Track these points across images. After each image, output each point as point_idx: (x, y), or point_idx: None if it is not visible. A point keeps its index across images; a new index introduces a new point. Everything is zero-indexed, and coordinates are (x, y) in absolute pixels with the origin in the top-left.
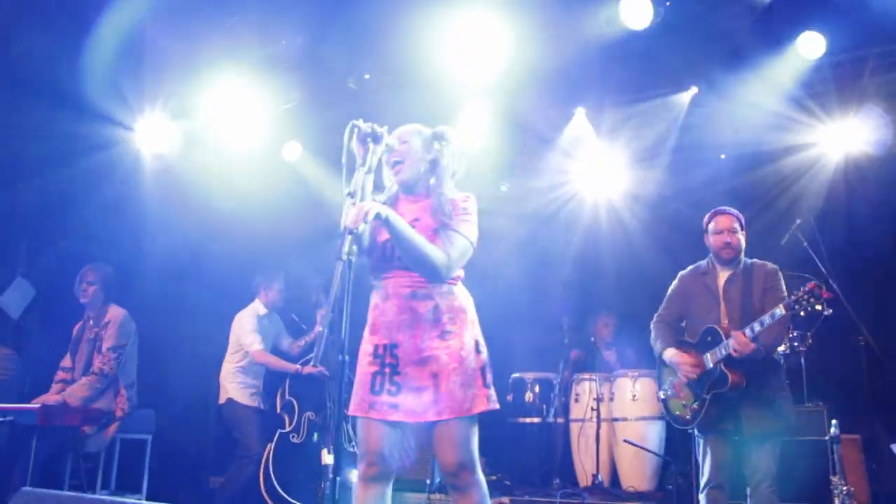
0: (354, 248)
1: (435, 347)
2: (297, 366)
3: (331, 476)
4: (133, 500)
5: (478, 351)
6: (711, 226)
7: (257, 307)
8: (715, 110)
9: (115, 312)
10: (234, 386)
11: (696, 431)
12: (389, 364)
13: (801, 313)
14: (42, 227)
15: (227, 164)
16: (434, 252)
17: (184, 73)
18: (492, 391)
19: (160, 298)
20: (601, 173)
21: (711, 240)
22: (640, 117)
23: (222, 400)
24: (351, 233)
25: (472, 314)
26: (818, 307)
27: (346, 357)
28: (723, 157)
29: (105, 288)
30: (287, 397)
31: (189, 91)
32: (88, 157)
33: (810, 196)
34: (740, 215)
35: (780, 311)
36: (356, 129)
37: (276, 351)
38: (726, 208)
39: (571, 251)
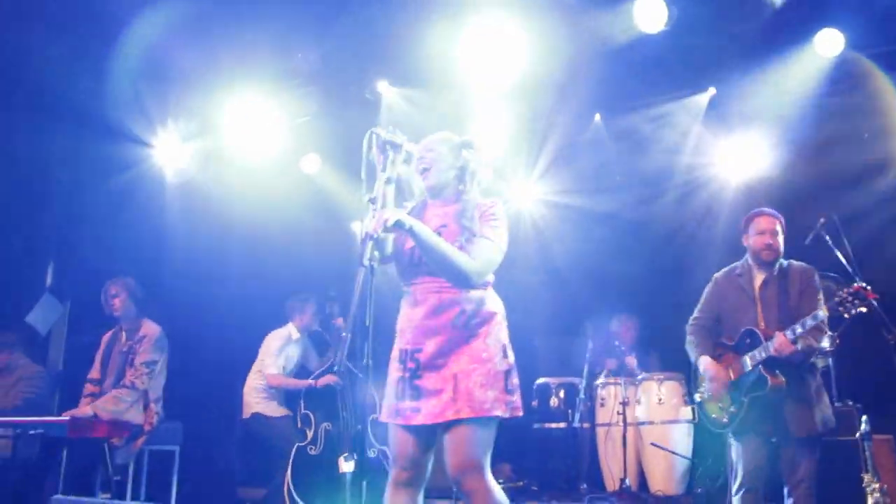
0: (376, 254)
1: (458, 350)
2: (310, 381)
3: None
4: None
5: (504, 355)
6: (752, 227)
7: (290, 331)
8: (734, 110)
9: (151, 328)
10: (260, 400)
11: (730, 434)
12: (410, 369)
13: (845, 315)
14: (68, 245)
15: (246, 178)
16: (461, 258)
17: (202, 89)
18: (514, 398)
19: (183, 311)
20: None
21: (752, 241)
22: (658, 120)
23: (246, 415)
24: (372, 238)
25: (500, 318)
26: (862, 309)
27: (371, 362)
28: None
29: (135, 300)
30: (304, 411)
31: (207, 106)
32: (112, 176)
33: (833, 194)
34: (781, 217)
35: (822, 312)
36: (375, 137)
37: (304, 370)
38: (767, 209)
39: (591, 254)
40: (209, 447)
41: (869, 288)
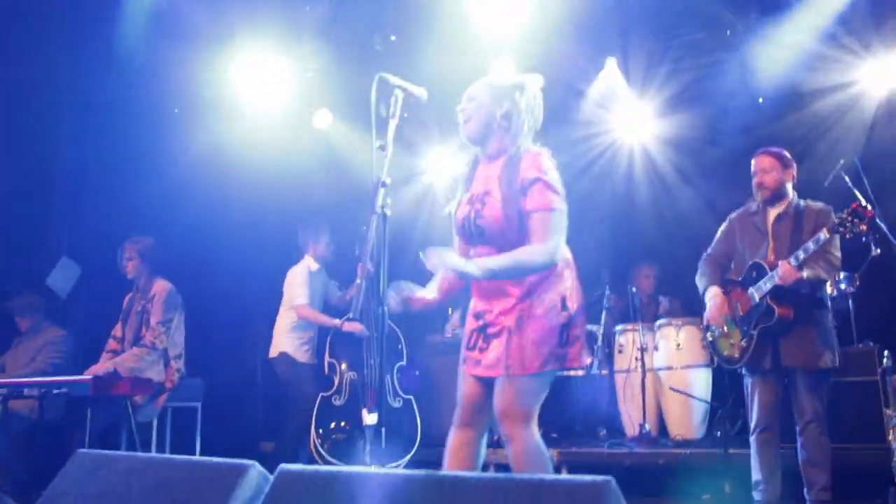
0: (389, 200)
1: (515, 308)
2: (338, 321)
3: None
4: (183, 457)
5: (563, 308)
6: (751, 168)
7: (309, 263)
8: (749, 53)
9: (161, 286)
10: (289, 341)
11: (744, 371)
12: (479, 325)
13: (847, 235)
14: (80, 205)
15: (258, 134)
16: (529, 258)
17: (209, 44)
18: (572, 349)
19: (199, 269)
20: (636, 122)
21: (753, 182)
22: (672, 63)
23: (273, 353)
24: (384, 185)
25: (559, 270)
26: (863, 227)
27: (386, 309)
28: (760, 100)
29: (147, 261)
30: (329, 359)
31: (217, 62)
32: (123, 137)
33: (853, 135)
34: (782, 153)
35: (823, 234)
36: (384, 82)
37: (326, 306)
38: (764, 148)
39: (607, 202)
40: (231, 403)
41: (867, 206)
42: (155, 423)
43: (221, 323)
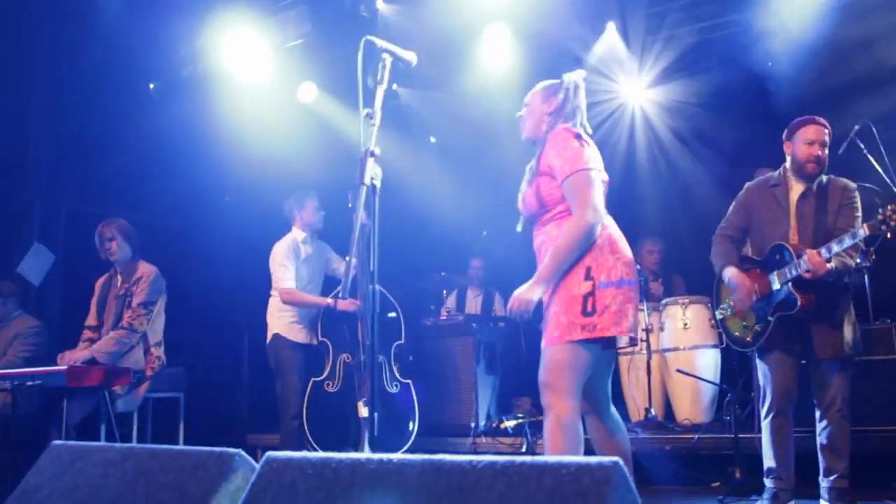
0: (378, 171)
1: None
2: (330, 299)
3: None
4: (164, 446)
5: (587, 277)
6: (800, 135)
7: (295, 234)
8: (754, 16)
9: (147, 269)
10: (281, 322)
11: (756, 354)
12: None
13: (888, 235)
14: (54, 186)
15: (240, 108)
16: (571, 235)
17: (192, 15)
18: (594, 319)
19: (182, 253)
20: (637, 90)
21: (798, 149)
22: (674, 27)
23: (268, 338)
24: (372, 155)
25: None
26: None
27: (378, 287)
28: (769, 64)
29: (129, 242)
30: (321, 339)
31: (197, 33)
32: (100, 115)
33: (866, 100)
34: (830, 128)
35: (863, 231)
36: (371, 46)
37: (328, 278)
38: (818, 118)
39: (609, 174)
40: (215, 393)
41: None
42: (136, 414)
43: (205, 308)
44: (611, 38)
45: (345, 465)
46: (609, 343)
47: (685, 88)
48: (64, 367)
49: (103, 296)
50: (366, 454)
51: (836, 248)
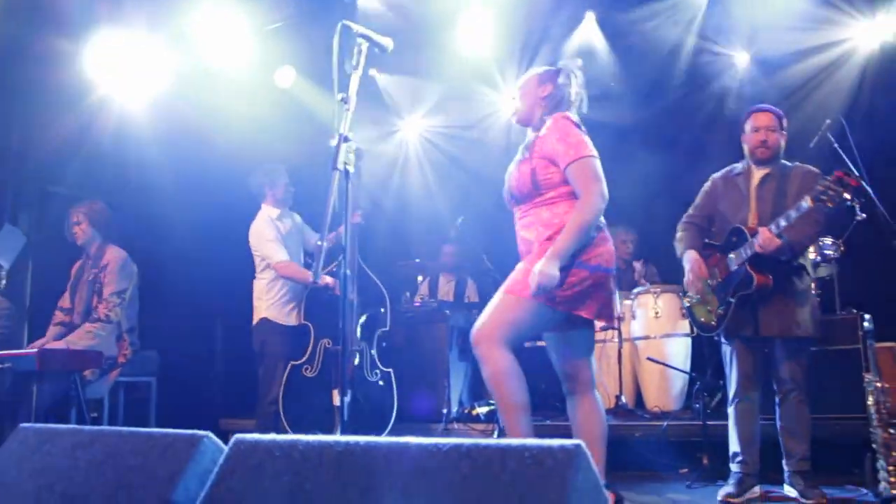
0: (351, 156)
1: (541, 248)
2: (329, 278)
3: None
4: (133, 429)
5: (573, 257)
6: (749, 124)
7: (269, 212)
8: (734, 9)
9: (114, 254)
10: (267, 304)
11: (722, 339)
12: None
13: (829, 204)
14: (27, 173)
15: (217, 93)
16: (580, 216)
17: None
18: (564, 293)
19: (156, 237)
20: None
21: (748, 138)
22: (654, 19)
23: (255, 321)
24: (346, 140)
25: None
26: (846, 195)
27: (349, 271)
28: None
29: (97, 226)
30: (304, 321)
31: (173, 19)
32: (73, 100)
33: (840, 96)
34: (781, 114)
35: (806, 203)
36: (347, 30)
37: (306, 253)
38: (765, 105)
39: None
40: (188, 378)
41: (852, 174)
42: (107, 399)
43: (178, 292)
44: (588, 27)
45: (312, 448)
46: (576, 321)
47: (660, 78)
48: (34, 351)
49: (76, 280)
50: (334, 437)
51: (783, 223)
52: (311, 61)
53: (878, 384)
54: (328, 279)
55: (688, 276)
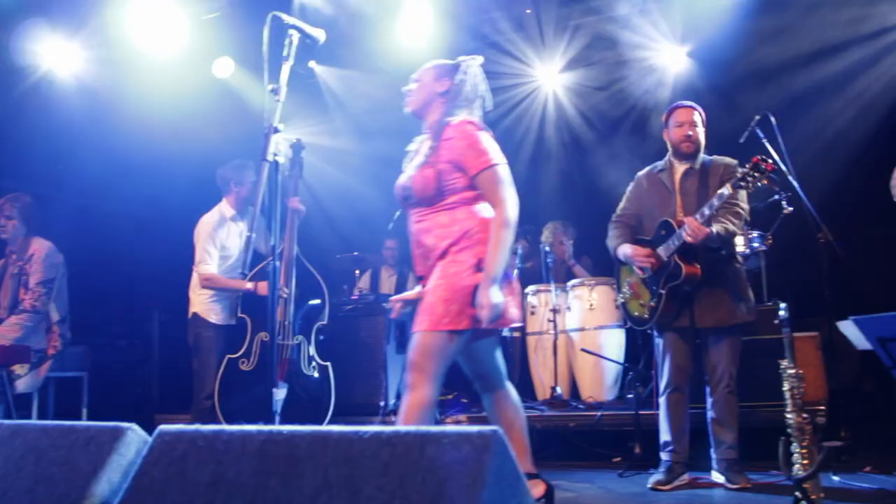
0: (281, 147)
1: (436, 265)
2: (249, 284)
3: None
4: (55, 422)
5: (477, 269)
6: (672, 119)
7: (223, 209)
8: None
9: (39, 245)
10: (200, 301)
11: (654, 332)
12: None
13: (750, 190)
14: None
15: (153, 85)
16: (500, 228)
17: None
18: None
19: (89, 228)
20: (550, 77)
21: (672, 133)
22: (587, 15)
23: (190, 314)
24: (276, 131)
25: (475, 231)
26: (764, 180)
27: (278, 263)
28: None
29: (25, 220)
30: (240, 314)
31: (108, 7)
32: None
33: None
34: (701, 109)
35: (726, 189)
36: (278, 21)
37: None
38: (687, 102)
39: (518, 159)
40: (122, 373)
41: (768, 159)
42: (36, 394)
43: (112, 284)
44: (527, 23)
45: (235, 438)
46: (488, 331)
47: (597, 79)
48: None
49: (0, 276)
50: (256, 426)
51: (707, 211)
52: (248, 52)
53: (792, 370)
54: (249, 285)
55: (636, 261)
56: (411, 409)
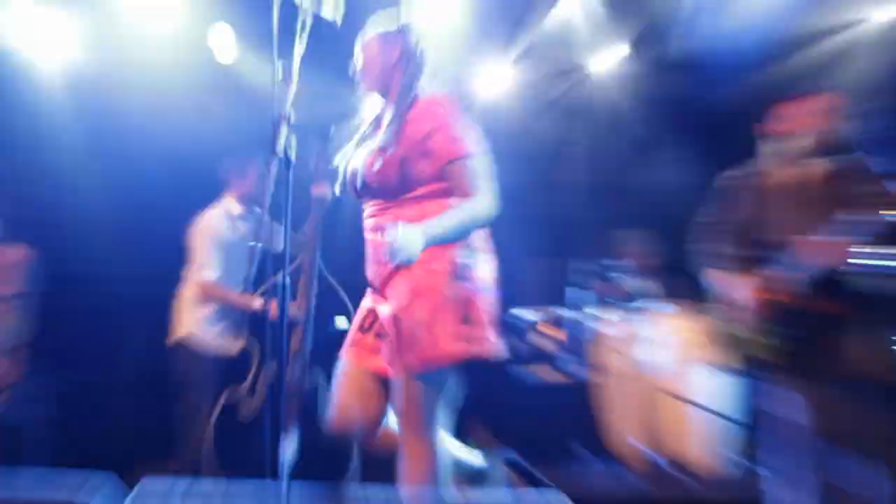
0: (293, 141)
1: (393, 278)
2: (259, 301)
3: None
4: (29, 468)
5: (457, 277)
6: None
7: (228, 206)
8: None
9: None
10: (197, 317)
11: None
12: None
13: None
14: None
15: (143, 61)
16: (482, 219)
17: None
18: (476, 330)
19: (68, 228)
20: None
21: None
22: None
23: (171, 341)
24: (288, 122)
25: None
26: None
27: (288, 279)
28: None
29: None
30: (245, 341)
31: None
32: None
33: None
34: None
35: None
36: (289, 1)
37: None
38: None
39: (583, 153)
40: (92, 407)
41: None
42: None
43: (87, 303)
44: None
45: (217, 489)
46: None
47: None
48: None
49: None
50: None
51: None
52: (250, 29)
53: None
54: (258, 302)
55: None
56: (409, 468)
